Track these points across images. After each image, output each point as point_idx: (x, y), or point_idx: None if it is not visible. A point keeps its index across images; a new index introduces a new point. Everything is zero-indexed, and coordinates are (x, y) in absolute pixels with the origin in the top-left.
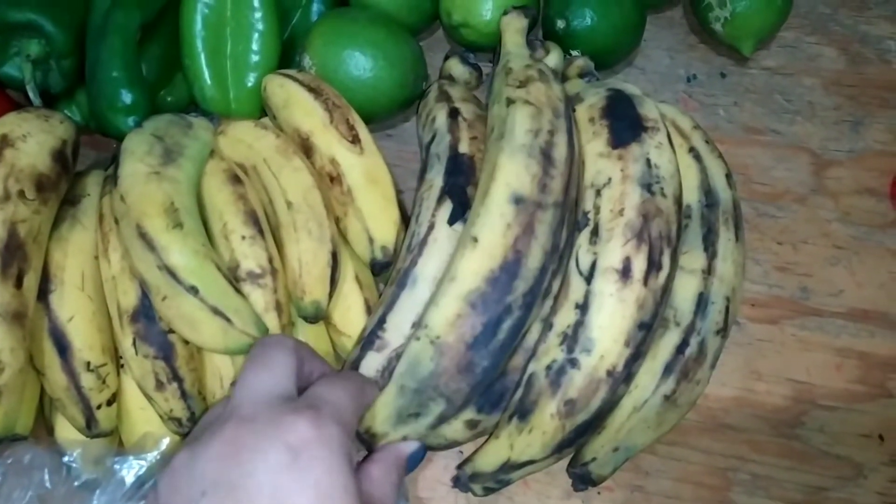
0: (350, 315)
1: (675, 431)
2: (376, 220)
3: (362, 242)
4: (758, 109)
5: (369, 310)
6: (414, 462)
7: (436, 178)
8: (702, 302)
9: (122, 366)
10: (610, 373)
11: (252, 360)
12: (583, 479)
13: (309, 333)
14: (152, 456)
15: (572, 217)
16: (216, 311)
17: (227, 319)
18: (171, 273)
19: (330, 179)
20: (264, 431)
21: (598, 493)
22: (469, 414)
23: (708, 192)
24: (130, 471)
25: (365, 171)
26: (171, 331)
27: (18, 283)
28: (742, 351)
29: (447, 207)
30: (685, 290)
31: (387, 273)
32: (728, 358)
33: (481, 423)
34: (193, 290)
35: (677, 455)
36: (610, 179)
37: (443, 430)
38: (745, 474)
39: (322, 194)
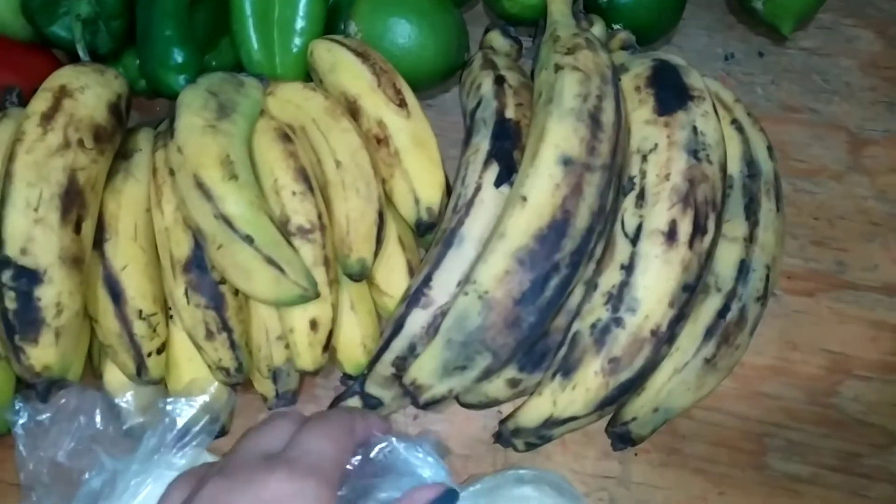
0: (393, 276)
1: (711, 397)
2: (423, 181)
3: (408, 203)
4: (795, 88)
5: (412, 272)
6: None
7: (482, 142)
8: (743, 269)
9: (171, 317)
10: (654, 332)
11: (256, 427)
12: (622, 439)
13: (353, 292)
14: (201, 399)
15: (618, 182)
16: (270, 261)
17: (281, 269)
18: (227, 222)
19: (377, 141)
20: (240, 488)
21: (636, 454)
22: (511, 372)
23: (750, 162)
24: (180, 414)
25: (412, 133)
26: (222, 282)
27: (77, 229)
28: (778, 322)
29: (494, 170)
30: (727, 258)
31: (430, 235)
32: (764, 328)
33: (522, 382)
34: (248, 240)
35: (714, 420)
36: (656, 145)
37: (484, 388)
38: (781, 440)
39: (369, 156)
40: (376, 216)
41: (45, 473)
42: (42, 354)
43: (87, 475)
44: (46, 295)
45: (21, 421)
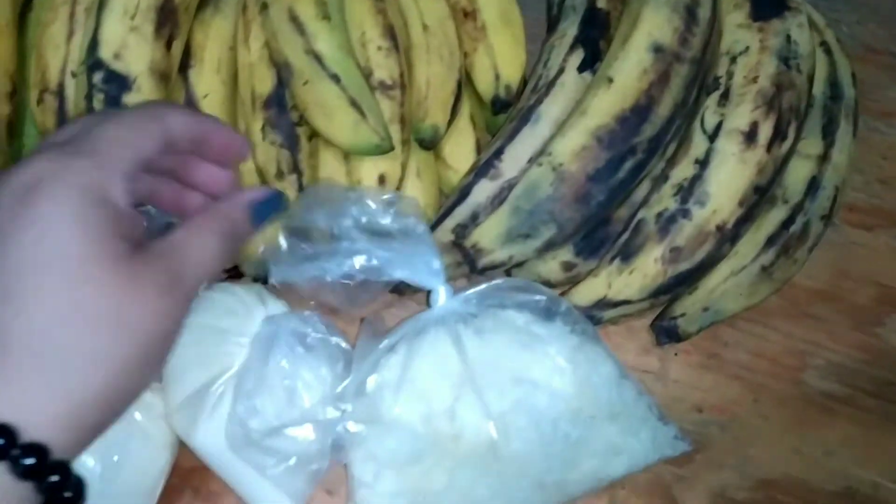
0: (460, 150)
1: (758, 310)
2: (505, 58)
3: (487, 79)
4: (880, 32)
5: (479, 150)
6: (262, 213)
7: (570, 28)
8: (813, 185)
9: None
10: (720, 228)
11: None
12: (668, 333)
13: (420, 160)
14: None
15: (702, 80)
16: (353, 103)
17: (362, 114)
18: (317, 58)
19: (464, 14)
20: (11, 170)
21: (676, 354)
22: (567, 255)
23: (834, 84)
24: None
25: (500, 10)
26: (299, 123)
27: (168, 45)
28: (834, 249)
29: (579, 55)
30: (798, 172)
31: (501, 115)
32: (820, 253)
33: (577, 266)
34: (335, 79)
35: (757, 332)
36: (747, 48)
37: (538, 268)
38: (821, 360)
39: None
40: (455, 85)
41: None
42: None
43: None
44: (133, 103)
45: None
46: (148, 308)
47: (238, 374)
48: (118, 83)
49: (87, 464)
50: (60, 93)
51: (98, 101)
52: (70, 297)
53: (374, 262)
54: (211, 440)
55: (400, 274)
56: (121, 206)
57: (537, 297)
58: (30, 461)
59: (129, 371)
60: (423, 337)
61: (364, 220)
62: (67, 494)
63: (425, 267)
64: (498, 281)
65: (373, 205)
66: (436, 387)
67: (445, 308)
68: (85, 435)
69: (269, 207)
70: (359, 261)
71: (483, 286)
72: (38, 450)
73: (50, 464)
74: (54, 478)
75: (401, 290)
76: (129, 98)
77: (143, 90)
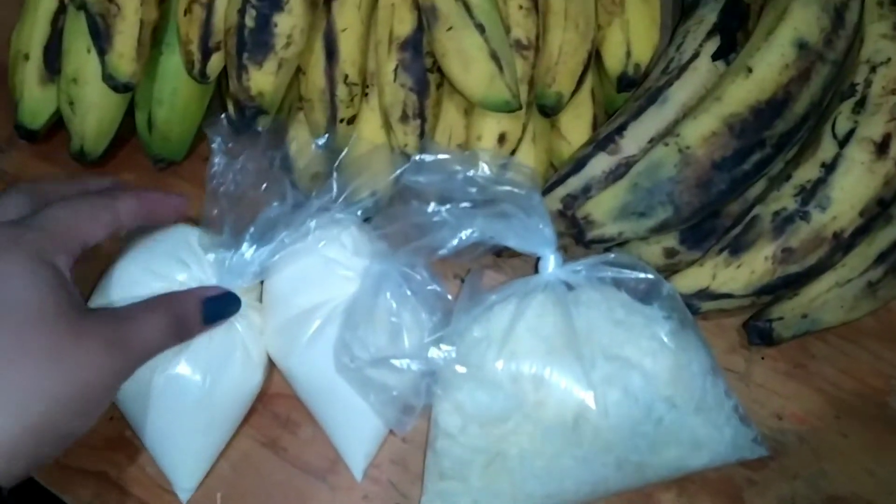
0: (577, 123)
1: (851, 328)
2: (640, 36)
3: (618, 55)
4: None
5: (596, 125)
6: (215, 310)
7: (709, 14)
8: None
9: (367, 94)
10: (836, 235)
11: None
12: (761, 335)
13: (537, 126)
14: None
15: (839, 84)
16: (493, 56)
17: (500, 68)
18: (466, 6)
19: None
20: None
21: (762, 357)
22: (670, 241)
23: None
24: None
25: None
26: (431, 70)
27: None
28: None
29: (715, 42)
30: None
31: (623, 93)
32: None
33: (678, 254)
34: (481, 28)
35: (847, 350)
36: (889, 59)
37: (640, 249)
38: None
39: None
40: (586, 56)
41: (233, 192)
42: (262, 80)
43: (272, 204)
44: (283, 23)
45: (219, 138)
46: (89, 358)
47: (346, 305)
48: (272, 2)
49: (191, 374)
50: (209, 5)
51: (250, 17)
52: (20, 337)
53: (486, 231)
54: (306, 367)
55: (512, 242)
56: (65, 273)
57: (643, 276)
58: None
59: (64, 412)
60: (529, 299)
61: (475, 186)
62: None
63: (537, 234)
64: (609, 255)
65: (487, 169)
66: (530, 350)
67: (553, 275)
68: (17, 465)
69: (222, 306)
70: (467, 233)
71: (591, 258)
72: None
73: None
74: None
75: (500, 252)
76: (280, 18)
77: (294, 13)
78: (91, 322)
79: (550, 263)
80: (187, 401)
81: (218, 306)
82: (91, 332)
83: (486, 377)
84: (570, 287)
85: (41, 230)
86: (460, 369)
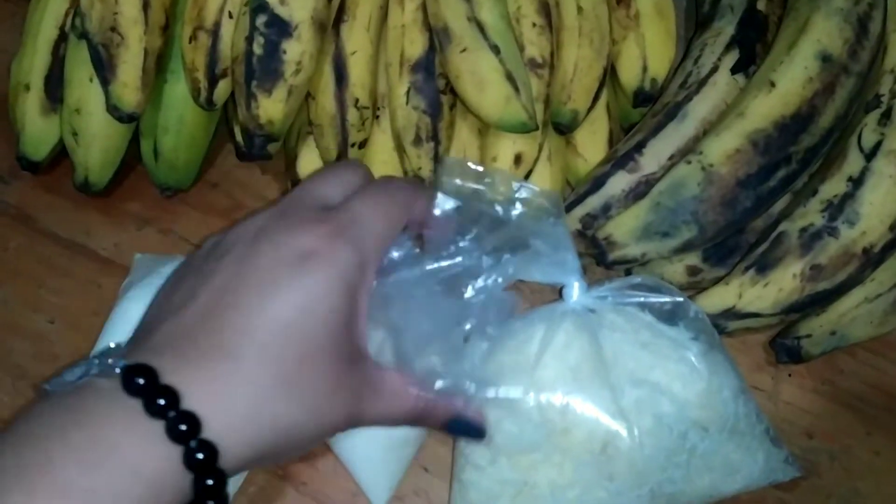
0: (593, 139)
1: (881, 342)
2: (656, 50)
3: (634, 70)
4: None
5: (612, 141)
6: (454, 427)
7: (726, 27)
8: None
9: (377, 117)
10: (866, 251)
11: (318, 172)
12: (789, 352)
13: (553, 144)
14: None
15: (863, 96)
16: (509, 77)
17: (516, 89)
18: (480, 27)
19: (617, 1)
20: (287, 227)
21: (790, 375)
22: (693, 259)
23: None
24: None
25: (655, 1)
26: (443, 91)
27: None
28: None
29: (734, 55)
30: None
31: (640, 108)
32: None
33: (701, 272)
34: (495, 50)
35: (877, 364)
36: None
37: (662, 268)
38: None
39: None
40: (601, 72)
41: None
42: (271, 107)
43: None
44: (292, 50)
45: None
46: (337, 402)
47: None
48: (280, 28)
49: None
50: (215, 32)
51: (258, 44)
52: (309, 351)
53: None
54: None
55: (538, 277)
56: (364, 302)
57: (669, 298)
58: (201, 456)
59: (304, 428)
60: (555, 328)
61: (495, 212)
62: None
63: (563, 265)
64: (634, 278)
65: (506, 193)
66: (557, 378)
67: (579, 302)
68: (250, 454)
69: (465, 429)
70: (491, 279)
71: (616, 282)
72: (211, 449)
73: (216, 467)
74: (210, 481)
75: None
76: (289, 45)
77: (303, 39)
78: (361, 371)
79: (575, 291)
80: None
81: (463, 427)
82: (355, 381)
83: (513, 407)
84: (591, 309)
85: (352, 243)
86: (504, 393)
